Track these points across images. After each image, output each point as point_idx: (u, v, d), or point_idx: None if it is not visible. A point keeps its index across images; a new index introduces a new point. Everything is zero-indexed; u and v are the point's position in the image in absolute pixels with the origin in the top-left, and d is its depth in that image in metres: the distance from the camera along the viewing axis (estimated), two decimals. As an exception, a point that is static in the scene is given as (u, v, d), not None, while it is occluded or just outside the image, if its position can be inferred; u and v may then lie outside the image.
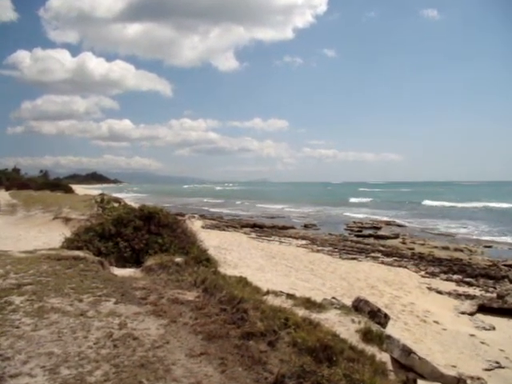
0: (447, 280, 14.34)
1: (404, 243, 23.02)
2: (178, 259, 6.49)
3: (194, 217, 32.42)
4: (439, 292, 12.54)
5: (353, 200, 63.06)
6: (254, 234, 26.45)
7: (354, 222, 33.00)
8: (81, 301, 4.08)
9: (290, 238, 24.81)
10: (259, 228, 29.38)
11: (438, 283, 13.77)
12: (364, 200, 62.81)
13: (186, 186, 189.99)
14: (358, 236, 26.31)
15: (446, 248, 20.89)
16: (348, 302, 6.35)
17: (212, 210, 45.78)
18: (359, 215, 38.54)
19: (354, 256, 19.07)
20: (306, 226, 31.17)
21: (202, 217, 35.57)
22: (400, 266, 16.96)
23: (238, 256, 17.19)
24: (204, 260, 7.61)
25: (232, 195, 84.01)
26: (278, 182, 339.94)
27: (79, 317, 3.62)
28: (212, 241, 17.73)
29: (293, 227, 30.41)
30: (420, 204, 53.96)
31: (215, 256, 10.27)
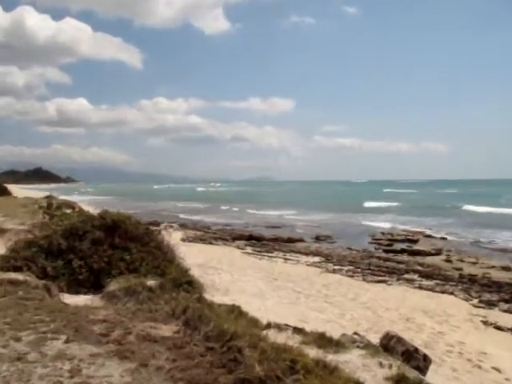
0: (509, 311, 14.34)
1: (449, 261, 23.76)
2: (151, 282, 6.72)
3: (171, 226, 33.42)
4: (498, 328, 12.60)
5: (369, 205, 64.38)
6: (250, 249, 27.24)
7: (383, 234, 33.85)
8: (19, 340, 4.14)
9: (298, 254, 25.55)
10: (257, 241, 30.38)
11: (496, 315, 14.12)
12: (386, 204, 64.61)
13: (156, 187, 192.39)
14: (387, 251, 27.04)
15: (507, 268, 21.03)
16: (375, 338, 6.52)
17: (190, 217, 47.97)
18: (385, 224, 40.32)
19: (382, 278, 19.63)
20: (318, 239, 32.12)
21: (183, 227, 36.55)
22: (444, 292, 17.47)
23: (229, 278, 17.76)
24: (185, 283, 7.93)
25: (217, 198, 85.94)
26: (283, 181, 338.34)
27: (16, 362, 3.70)
28: (196, 258, 18.22)
29: (301, 240, 31.29)
30: (466, 209, 53.52)
31: (200, 278, 10.65)
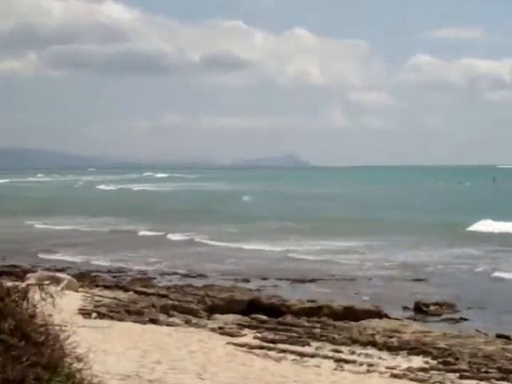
0: None
1: None
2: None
3: (56, 279, 21.28)
4: None
5: (477, 227, 45.37)
6: (252, 335, 19.09)
7: None
8: None
9: (371, 349, 17.47)
10: (268, 315, 22.08)
11: None
12: None
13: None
14: None
15: None
16: None
17: (80, 258, 34.65)
18: None
19: None
20: (420, 310, 23.53)
21: (84, 279, 25.87)
22: None
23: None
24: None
25: (141, 209, 61.55)
26: (329, 167, 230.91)
27: None
28: (117, 358, 12.61)
29: (378, 312, 22.46)
30: None
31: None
